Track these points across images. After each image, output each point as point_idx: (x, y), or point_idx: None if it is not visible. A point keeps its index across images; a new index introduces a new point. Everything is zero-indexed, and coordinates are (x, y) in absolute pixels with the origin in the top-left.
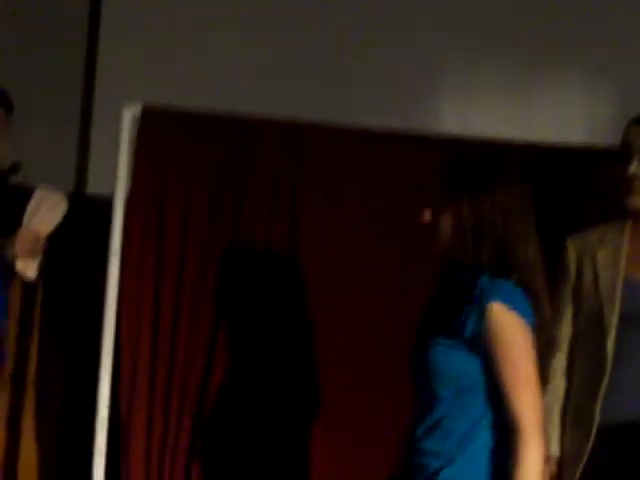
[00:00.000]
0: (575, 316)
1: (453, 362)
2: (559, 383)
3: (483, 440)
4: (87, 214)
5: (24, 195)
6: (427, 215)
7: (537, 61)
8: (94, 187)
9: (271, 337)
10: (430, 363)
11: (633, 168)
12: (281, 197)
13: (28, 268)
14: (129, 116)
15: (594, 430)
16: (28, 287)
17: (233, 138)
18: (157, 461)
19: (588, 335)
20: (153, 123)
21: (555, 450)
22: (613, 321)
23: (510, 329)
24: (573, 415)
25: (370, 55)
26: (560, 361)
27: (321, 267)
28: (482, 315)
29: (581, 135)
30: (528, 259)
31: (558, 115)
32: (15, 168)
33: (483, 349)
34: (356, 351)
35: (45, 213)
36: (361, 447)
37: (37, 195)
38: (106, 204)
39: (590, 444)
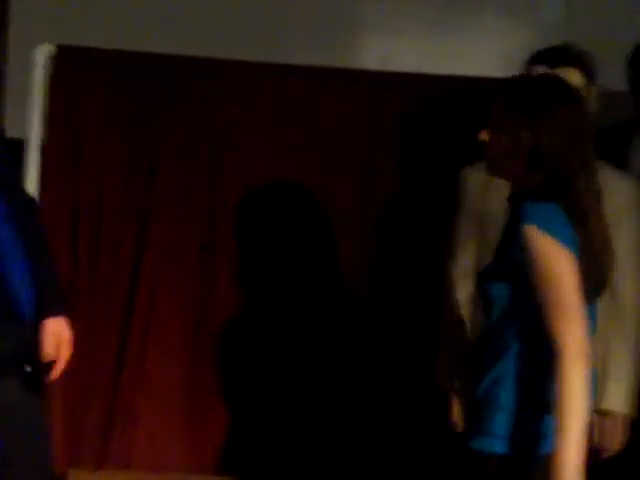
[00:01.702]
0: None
1: (500, 287)
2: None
3: (513, 368)
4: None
5: None
6: (484, 134)
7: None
8: (10, 132)
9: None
10: (488, 294)
11: None
12: (199, 133)
13: None
14: (42, 56)
15: None
16: None
17: (151, 76)
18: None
19: None
20: (68, 63)
21: None
22: None
23: (544, 252)
24: None
25: None
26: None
27: (241, 201)
28: (519, 240)
29: (498, 69)
30: (579, 181)
31: (476, 49)
32: None
33: (522, 274)
34: None
35: None
36: None
37: None
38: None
39: None
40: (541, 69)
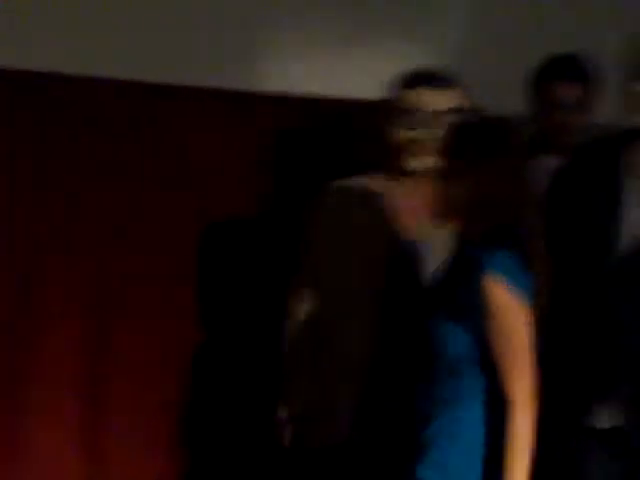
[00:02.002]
0: None
1: (452, 331)
2: None
3: (477, 413)
4: None
5: None
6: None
7: (361, 21)
8: None
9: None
10: (434, 335)
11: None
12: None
13: None
14: None
15: None
16: None
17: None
18: None
19: None
20: None
21: None
22: None
23: (502, 302)
24: None
25: (194, 14)
26: None
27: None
28: (477, 288)
29: None
30: (530, 225)
31: (379, 74)
32: None
33: (478, 321)
34: None
35: None
36: None
37: None
38: None
39: None
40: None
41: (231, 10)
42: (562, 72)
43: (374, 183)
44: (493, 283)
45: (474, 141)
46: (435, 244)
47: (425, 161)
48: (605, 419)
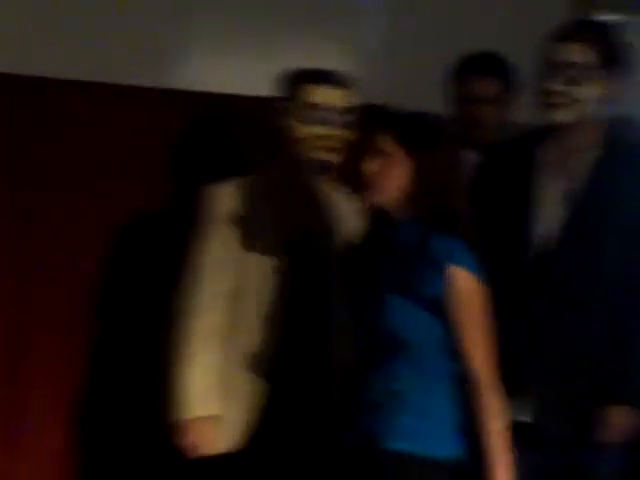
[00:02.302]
0: None
1: (414, 317)
2: None
3: (444, 393)
4: None
5: None
6: (374, 166)
7: (279, 21)
8: None
9: None
10: (387, 319)
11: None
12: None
13: None
14: None
15: None
16: None
17: None
18: None
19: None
20: None
21: None
22: None
23: (472, 292)
24: None
25: (115, 11)
26: None
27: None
28: (444, 278)
29: None
30: (467, 214)
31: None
32: None
33: (442, 308)
34: None
35: None
36: None
37: None
38: None
39: None
40: None
41: (144, 6)
42: (477, 67)
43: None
44: (459, 272)
45: (413, 132)
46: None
47: (327, 157)
48: (520, 413)
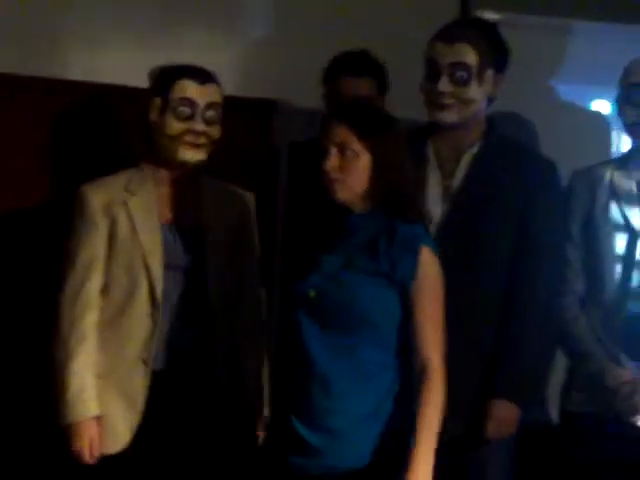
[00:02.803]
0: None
1: (384, 298)
2: None
3: (387, 382)
4: None
5: None
6: (332, 162)
7: (167, 11)
8: None
9: None
10: (356, 300)
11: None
12: None
13: None
14: None
15: None
16: None
17: None
18: None
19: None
20: None
21: None
22: (159, 270)
23: (436, 272)
24: None
25: None
26: None
27: None
28: (414, 260)
29: None
30: (418, 197)
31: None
32: None
33: (405, 290)
34: None
35: None
36: None
37: None
38: None
39: None
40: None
41: None
42: (355, 67)
43: (141, 174)
44: (428, 255)
45: (360, 118)
46: (208, 234)
47: (195, 153)
48: None
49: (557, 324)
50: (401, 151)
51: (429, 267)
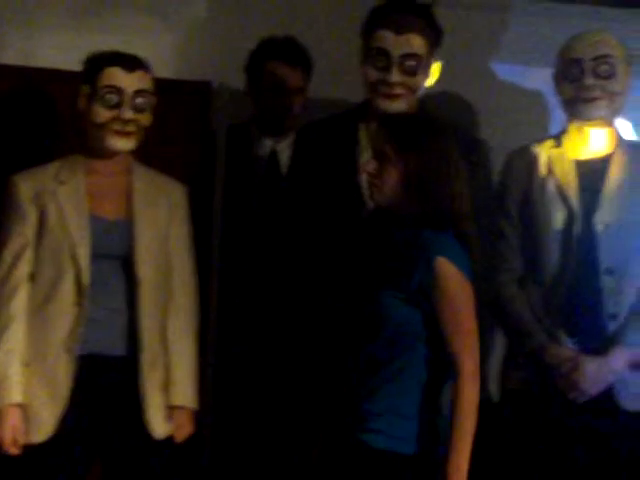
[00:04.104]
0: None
1: (398, 308)
2: None
3: (417, 378)
4: None
5: None
6: (372, 166)
7: None
8: None
9: None
10: (380, 315)
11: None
12: None
13: None
14: None
15: None
16: None
17: None
18: None
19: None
20: None
21: None
22: (86, 260)
23: (454, 282)
24: None
25: None
26: None
27: None
28: (429, 268)
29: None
30: (464, 209)
31: (119, 46)
32: None
33: (427, 300)
34: None
35: None
36: None
37: None
38: None
39: None
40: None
41: None
42: (288, 57)
43: (72, 164)
44: (445, 265)
45: (403, 130)
46: (139, 223)
47: (125, 141)
48: None
49: (495, 301)
50: (438, 164)
51: (443, 277)
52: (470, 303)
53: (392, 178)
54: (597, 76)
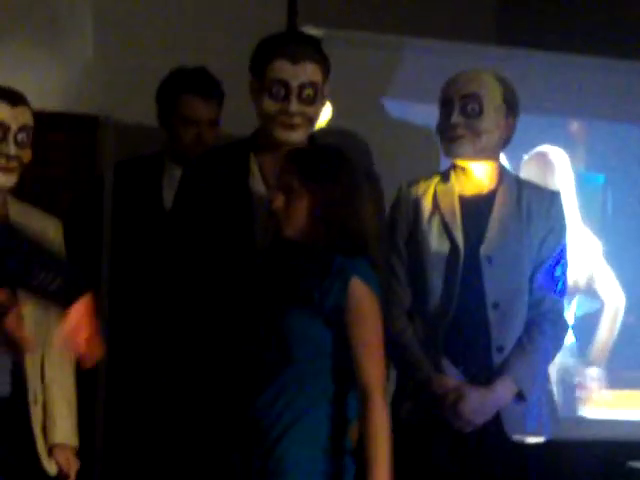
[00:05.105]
0: None
1: (310, 329)
2: None
3: (324, 410)
4: None
5: None
6: (279, 201)
7: None
8: None
9: None
10: (286, 330)
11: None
12: None
13: None
14: None
15: None
16: None
17: None
18: None
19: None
20: None
21: None
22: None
23: (367, 304)
24: None
25: None
26: None
27: None
28: (343, 290)
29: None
30: (371, 235)
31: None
32: None
33: (339, 320)
34: None
35: None
36: None
37: None
38: None
39: None
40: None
41: None
42: (200, 89)
43: None
44: (358, 286)
45: (308, 162)
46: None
47: (7, 177)
48: None
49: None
50: (344, 194)
51: (357, 297)
52: (380, 323)
53: (300, 210)
54: (464, 114)
